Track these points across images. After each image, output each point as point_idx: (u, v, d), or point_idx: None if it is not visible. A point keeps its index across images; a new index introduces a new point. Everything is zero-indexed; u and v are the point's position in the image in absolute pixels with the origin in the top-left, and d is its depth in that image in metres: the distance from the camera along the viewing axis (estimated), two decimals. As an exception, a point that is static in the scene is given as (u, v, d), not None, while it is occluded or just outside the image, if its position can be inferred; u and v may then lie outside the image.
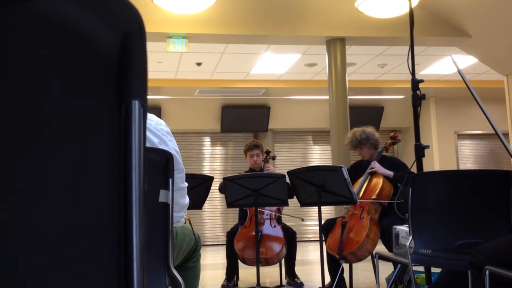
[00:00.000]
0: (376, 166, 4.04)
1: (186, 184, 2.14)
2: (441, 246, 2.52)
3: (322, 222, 3.74)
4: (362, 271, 5.20)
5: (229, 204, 4.07)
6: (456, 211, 2.59)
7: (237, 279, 4.66)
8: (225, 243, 4.62)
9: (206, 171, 10.13)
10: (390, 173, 3.99)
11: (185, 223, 2.27)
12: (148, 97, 0.63)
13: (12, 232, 0.57)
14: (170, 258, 1.59)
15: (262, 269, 4.30)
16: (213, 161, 10.43)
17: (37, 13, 0.57)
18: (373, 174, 4.10)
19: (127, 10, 0.61)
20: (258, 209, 4.10)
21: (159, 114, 9.39)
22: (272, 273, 5.16)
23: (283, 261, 4.54)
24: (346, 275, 4.11)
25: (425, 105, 9.76)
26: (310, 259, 7.05)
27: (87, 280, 0.61)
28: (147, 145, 1.20)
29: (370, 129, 4.26)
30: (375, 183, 4.02)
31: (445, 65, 8.52)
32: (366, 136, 4.19)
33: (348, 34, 6.60)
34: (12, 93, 0.57)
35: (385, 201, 3.93)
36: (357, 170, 4.25)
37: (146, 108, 0.62)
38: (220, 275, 4.97)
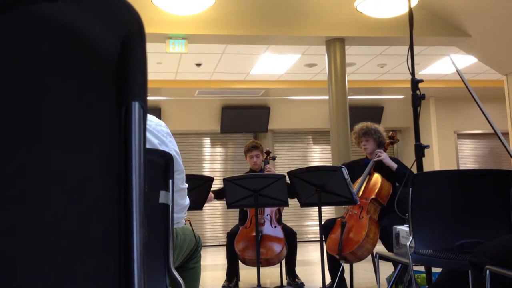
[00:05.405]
0: (382, 155, 4.05)
1: (186, 185, 2.14)
2: (442, 246, 2.52)
3: (322, 222, 3.74)
4: (362, 271, 5.20)
5: (230, 204, 4.07)
6: (457, 211, 2.59)
7: (238, 279, 4.66)
8: (225, 243, 4.62)
9: (206, 172, 10.13)
10: (394, 165, 4.02)
11: (185, 224, 2.28)
12: (148, 98, 0.63)
13: (12, 233, 0.57)
14: (171, 259, 1.59)
15: (263, 270, 4.30)
16: (213, 162, 10.43)
17: (38, 15, 0.57)
18: (372, 173, 4.10)
19: (126, 11, 0.61)
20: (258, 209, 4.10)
21: (159, 115, 9.39)
22: (272, 273, 5.16)
23: (283, 261, 4.54)
24: (346, 275, 4.11)
25: (425, 105, 9.78)
26: (311, 259, 7.05)
27: (88, 281, 0.61)
28: (147, 146, 1.20)
29: (379, 126, 4.32)
30: (374, 182, 4.02)
31: (444, 64, 8.52)
32: (375, 128, 4.25)
33: (347, 34, 6.60)
34: (13, 95, 0.57)
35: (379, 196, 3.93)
36: (355, 169, 4.24)
37: (146, 109, 0.62)
38: (220, 275, 4.97)
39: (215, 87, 9.16)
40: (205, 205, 4.19)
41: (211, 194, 4.52)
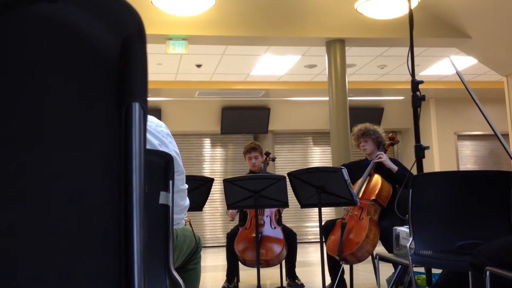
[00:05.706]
0: (383, 156, 4.06)
1: (187, 186, 2.14)
2: (442, 247, 2.52)
3: (322, 223, 3.74)
4: (362, 272, 5.19)
5: (230, 205, 4.06)
6: (457, 212, 2.59)
7: (238, 280, 4.66)
8: (225, 244, 4.62)
9: (206, 172, 10.13)
10: (395, 167, 4.03)
11: (185, 225, 2.27)
12: (148, 99, 0.63)
13: (12, 233, 0.57)
14: (171, 260, 1.59)
15: (263, 271, 4.29)
16: (213, 162, 10.43)
17: (38, 15, 0.57)
18: (372, 175, 4.10)
19: (127, 12, 0.61)
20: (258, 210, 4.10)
21: (159, 116, 9.39)
22: (272, 274, 5.16)
23: (283, 262, 4.54)
24: (346, 276, 4.11)
25: (425, 106, 9.77)
26: (311, 260, 7.05)
27: (88, 281, 0.61)
28: (147, 147, 1.20)
29: (378, 127, 4.34)
30: (374, 184, 4.02)
31: (445, 66, 8.52)
32: (374, 129, 4.28)
33: (347, 36, 6.60)
34: (13, 95, 0.57)
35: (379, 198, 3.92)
36: (355, 170, 4.24)
37: (147, 110, 0.62)
38: (220, 276, 4.97)
39: (215, 88, 9.16)
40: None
41: (233, 210, 4.50)
